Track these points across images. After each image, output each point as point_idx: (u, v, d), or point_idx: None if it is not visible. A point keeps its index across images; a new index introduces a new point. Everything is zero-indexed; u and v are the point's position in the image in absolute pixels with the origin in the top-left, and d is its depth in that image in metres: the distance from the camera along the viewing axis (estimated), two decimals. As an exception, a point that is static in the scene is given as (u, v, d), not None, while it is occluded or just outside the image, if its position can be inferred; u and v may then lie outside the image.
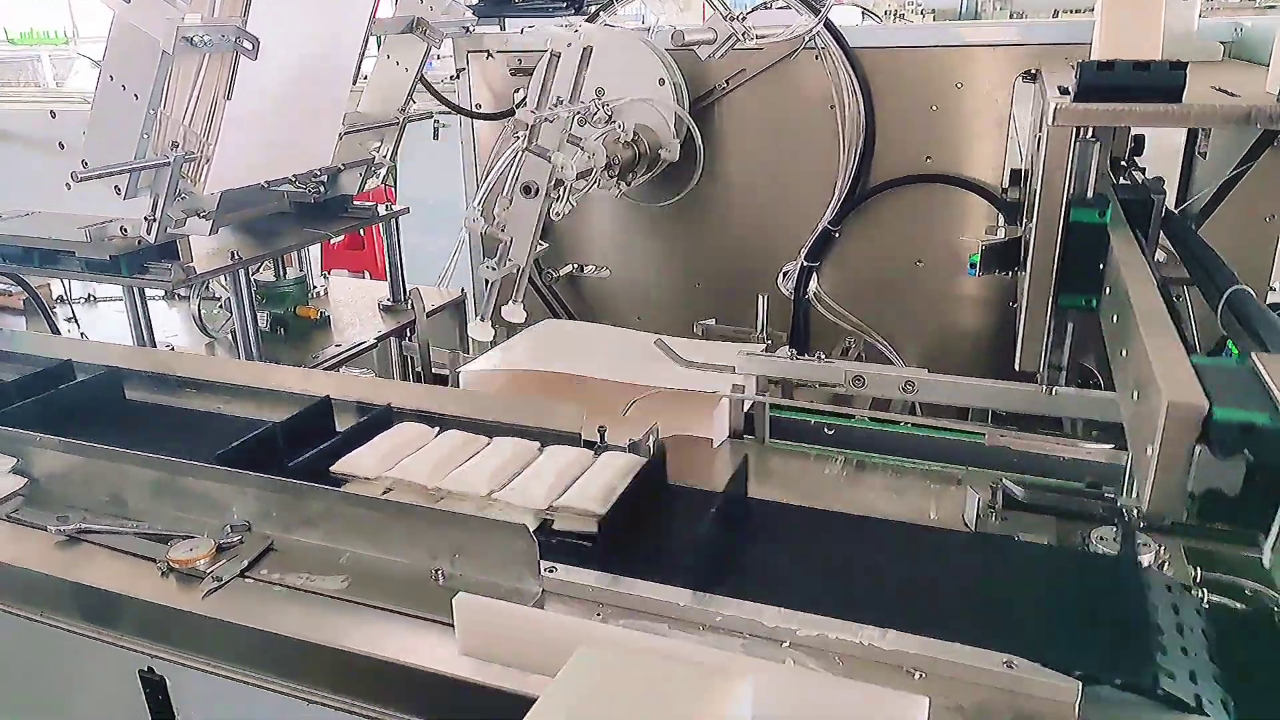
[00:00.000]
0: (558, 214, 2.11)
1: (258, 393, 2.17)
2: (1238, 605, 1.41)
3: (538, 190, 1.89)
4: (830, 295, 2.77)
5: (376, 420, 1.89)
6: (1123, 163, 1.76)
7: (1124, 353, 1.05)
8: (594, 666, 0.94)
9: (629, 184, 2.53)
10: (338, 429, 1.91)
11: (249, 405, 2.14)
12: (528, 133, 1.80)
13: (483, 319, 2.06)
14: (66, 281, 3.29)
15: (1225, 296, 1.10)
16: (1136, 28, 1.22)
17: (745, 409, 1.95)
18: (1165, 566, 1.45)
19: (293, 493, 1.55)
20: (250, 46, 1.89)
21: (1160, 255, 1.42)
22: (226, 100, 2.00)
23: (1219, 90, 1.28)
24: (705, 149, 2.78)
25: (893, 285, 2.72)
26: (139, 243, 2.23)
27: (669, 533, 1.59)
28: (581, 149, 1.93)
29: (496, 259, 1.98)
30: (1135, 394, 0.89)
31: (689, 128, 2.64)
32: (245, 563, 1.49)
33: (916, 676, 1.20)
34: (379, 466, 1.70)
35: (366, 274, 5.21)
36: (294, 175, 2.39)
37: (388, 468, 1.70)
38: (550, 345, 2.33)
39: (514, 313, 2.25)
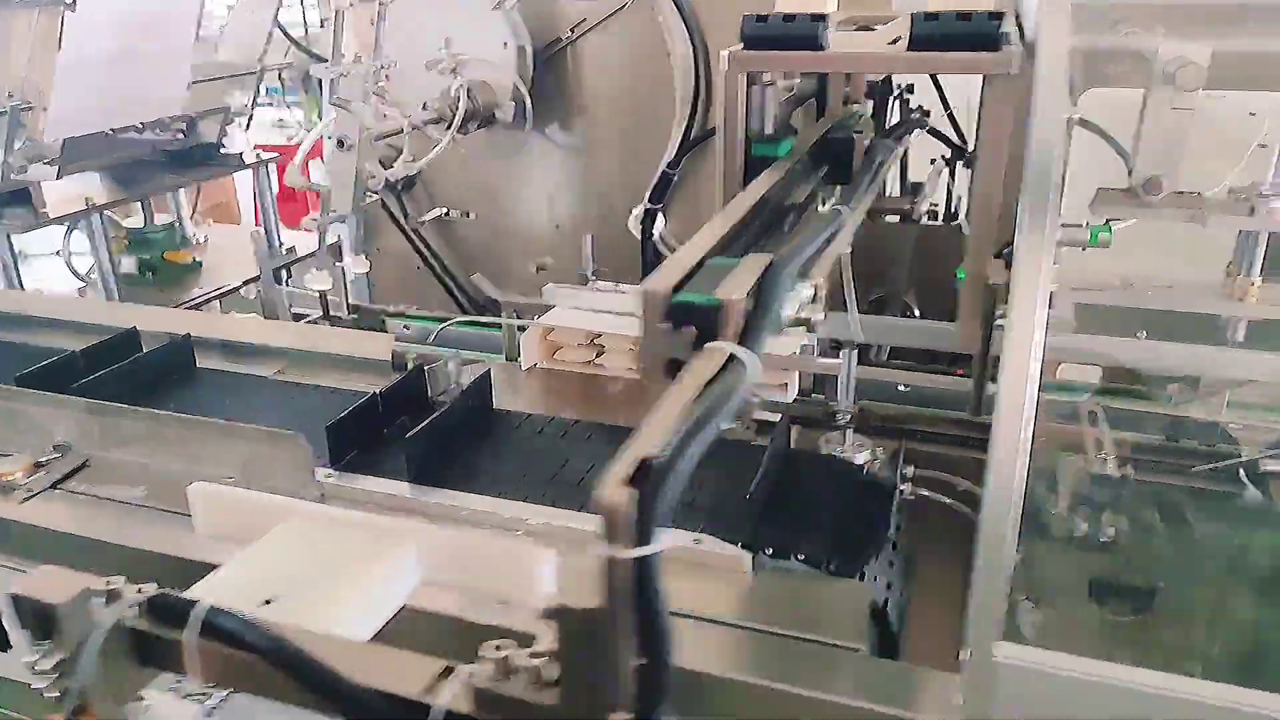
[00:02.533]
0: (401, 172, 2.23)
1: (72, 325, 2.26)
2: (943, 499, 1.64)
3: (350, 144, 2.03)
4: (676, 236, 2.93)
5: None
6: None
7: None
8: (287, 535, 1.11)
9: (465, 134, 2.65)
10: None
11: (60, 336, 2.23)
12: (328, 88, 1.93)
13: (318, 269, 2.22)
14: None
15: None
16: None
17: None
18: (879, 465, 1.67)
19: (103, 413, 1.70)
20: (70, 0, 1.99)
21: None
22: (57, 51, 2.11)
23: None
24: (558, 95, 2.91)
25: (732, 225, 2.88)
26: (-14, 189, 2.33)
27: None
28: (385, 100, 2.05)
29: (321, 211, 2.12)
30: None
31: (527, 87, 2.77)
32: (58, 476, 1.65)
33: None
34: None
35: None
36: (142, 123, 2.49)
37: None
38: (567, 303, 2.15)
39: (357, 263, 2.40)
